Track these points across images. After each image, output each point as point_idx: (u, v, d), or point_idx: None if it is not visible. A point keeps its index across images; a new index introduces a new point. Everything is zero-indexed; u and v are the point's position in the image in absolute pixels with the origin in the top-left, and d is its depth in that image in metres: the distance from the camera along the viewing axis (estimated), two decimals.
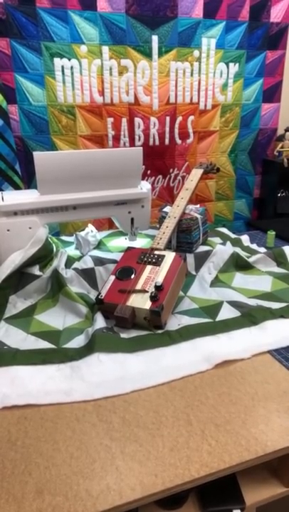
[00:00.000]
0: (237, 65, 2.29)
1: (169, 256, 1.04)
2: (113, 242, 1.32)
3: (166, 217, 1.20)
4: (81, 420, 0.70)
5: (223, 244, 1.36)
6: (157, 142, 2.28)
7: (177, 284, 1.02)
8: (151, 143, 2.26)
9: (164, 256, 1.05)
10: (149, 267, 1.03)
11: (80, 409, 0.72)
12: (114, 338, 0.90)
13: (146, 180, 2.31)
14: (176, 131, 2.30)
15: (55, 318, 1.02)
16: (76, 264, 1.15)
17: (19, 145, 1.95)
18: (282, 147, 2.50)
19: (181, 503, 0.70)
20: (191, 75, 2.22)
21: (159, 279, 0.98)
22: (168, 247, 1.14)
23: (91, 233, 1.28)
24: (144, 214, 1.25)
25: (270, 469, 0.75)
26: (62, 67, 1.94)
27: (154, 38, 2.06)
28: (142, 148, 1.17)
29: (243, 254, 1.30)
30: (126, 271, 1.03)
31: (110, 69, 2.03)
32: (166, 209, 1.28)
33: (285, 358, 0.86)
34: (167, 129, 2.27)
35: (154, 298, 0.93)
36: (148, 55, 2.08)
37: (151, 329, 0.95)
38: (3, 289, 1.03)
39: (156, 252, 1.07)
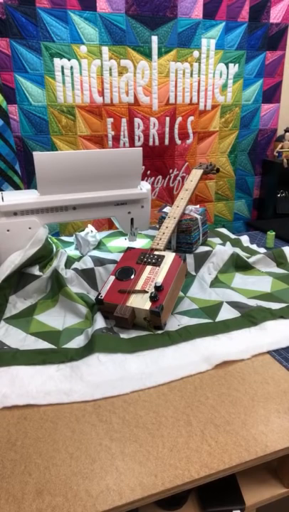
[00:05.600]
0: (237, 65, 2.29)
1: (169, 256, 1.04)
2: (113, 243, 1.32)
3: (165, 218, 1.20)
4: (81, 420, 0.70)
5: (223, 244, 1.36)
6: (157, 142, 2.28)
7: (177, 285, 1.02)
8: (151, 143, 2.26)
9: (163, 256, 1.05)
10: (148, 268, 1.03)
11: (79, 410, 0.72)
12: (114, 339, 0.90)
13: (146, 180, 2.31)
14: (176, 131, 2.30)
15: (55, 318, 1.02)
16: (76, 265, 1.14)
17: (19, 145, 1.95)
18: (281, 148, 2.50)
19: (181, 503, 0.70)
20: (191, 75, 2.22)
21: (159, 280, 0.98)
22: (168, 247, 1.14)
23: (91, 233, 1.28)
24: (144, 214, 1.25)
25: (270, 470, 0.75)
26: (62, 67, 1.94)
27: (154, 39, 2.06)
28: (141, 148, 1.17)
29: (242, 254, 1.30)
30: (126, 271, 1.03)
31: (110, 69, 2.03)
32: (166, 209, 1.28)
33: (284, 358, 0.86)
34: (167, 129, 2.27)
35: (153, 298, 0.93)
36: (148, 55, 2.08)
37: (151, 330, 0.95)
38: (3, 289, 1.03)
39: (156, 253, 1.07)
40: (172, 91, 2.21)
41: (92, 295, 1.09)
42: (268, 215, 2.59)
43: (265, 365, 0.84)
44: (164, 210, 1.30)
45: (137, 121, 2.19)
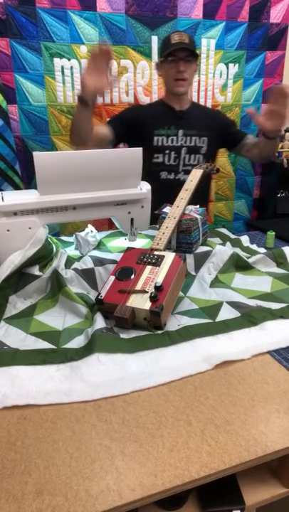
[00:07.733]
0: (237, 65, 2.29)
1: (169, 256, 1.04)
2: (113, 243, 1.32)
3: (165, 218, 1.20)
4: (81, 420, 0.70)
5: (223, 244, 1.36)
6: None
7: (177, 285, 1.02)
8: None
9: (163, 256, 1.05)
10: (148, 268, 1.03)
11: (79, 410, 0.72)
12: (114, 339, 0.90)
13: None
14: None
15: (55, 318, 1.02)
16: (76, 265, 1.14)
17: (19, 145, 1.95)
18: (281, 148, 2.50)
19: (181, 503, 0.70)
20: None
21: (159, 280, 0.98)
22: (168, 247, 1.13)
23: (91, 233, 1.28)
24: (144, 214, 1.25)
25: (270, 470, 0.75)
26: (62, 67, 1.94)
27: (154, 39, 2.06)
28: (141, 148, 1.17)
29: (242, 254, 1.30)
30: (126, 271, 1.03)
31: (110, 69, 2.03)
32: (166, 209, 1.28)
33: (284, 358, 0.86)
34: None
35: (153, 298, 0.93)
36: (148, 55, 2.08)
37: (150, 330, 0.95)
38: (3, 289, 1.03)
39: (156, 253, 1.07)
40: None
41: (92, 295, 1.09)
42: (268, 215, 2.59)
43: (265, 365, 0.84)
44: (164, 210, 1.30)
45: None
